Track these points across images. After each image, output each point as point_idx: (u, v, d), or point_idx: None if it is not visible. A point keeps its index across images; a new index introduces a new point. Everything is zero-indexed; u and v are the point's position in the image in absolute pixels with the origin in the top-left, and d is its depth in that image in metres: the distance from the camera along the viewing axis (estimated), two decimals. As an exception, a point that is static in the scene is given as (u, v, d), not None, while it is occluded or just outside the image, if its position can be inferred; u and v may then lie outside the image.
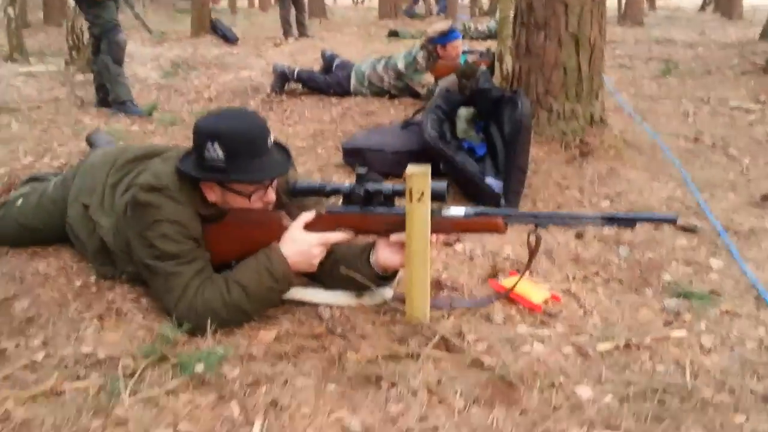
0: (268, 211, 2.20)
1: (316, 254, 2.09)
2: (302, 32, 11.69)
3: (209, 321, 2.00)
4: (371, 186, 2.08)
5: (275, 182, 2.20)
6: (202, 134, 2.06)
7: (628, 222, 2.04)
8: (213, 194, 2.12)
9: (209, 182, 2.10)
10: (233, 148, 2.02)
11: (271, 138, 2.13)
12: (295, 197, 2.23)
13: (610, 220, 2.02)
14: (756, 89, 6.60)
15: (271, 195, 2.19)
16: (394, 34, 11.92)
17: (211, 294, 2.02)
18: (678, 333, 2.12)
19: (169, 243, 2.04)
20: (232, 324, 2.08)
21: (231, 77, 7.37)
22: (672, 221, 2.04)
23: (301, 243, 2.07)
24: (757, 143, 4.70)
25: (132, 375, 1.83)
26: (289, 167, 2.21)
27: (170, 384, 1.80)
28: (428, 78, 5.87)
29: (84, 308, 2.23)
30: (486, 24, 11.15)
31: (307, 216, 2.11)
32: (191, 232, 2.08)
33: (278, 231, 2.12)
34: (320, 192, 2.13)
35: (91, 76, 5.99)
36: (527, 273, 2.29)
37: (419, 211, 1.97)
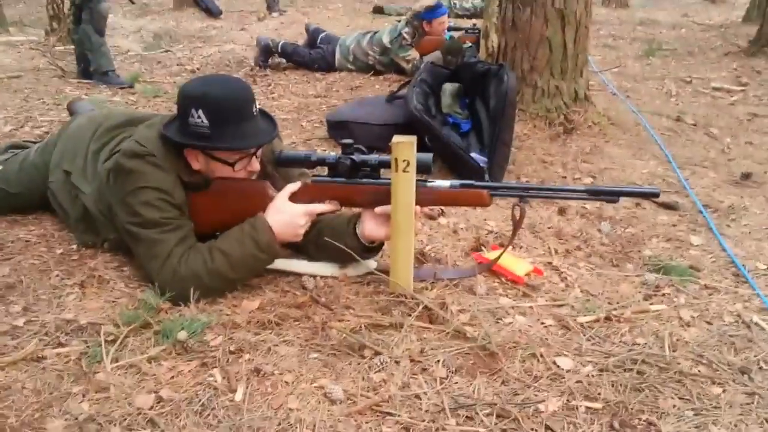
0: (252, 181, 2.19)
1: (302, 224, 2.09)
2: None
3: (192, 288, 1.99)
4: (357, 157, 2.08)
5: (260, 151, 2.18)
6: (187, 100, 2.04)
7: (611, 195, 2.04)
8: (197, 162, 2.10)
9: (193, 149, 2.08)
10: (218, 114, 2.00)
11: (257, 105, 2.11)
12: (280, 167, 2.22)
13: (594, 193, 2.03)
14: (738, 71, 6.65)
15: (256, 164, 2.17)
16: (379, 10, 11.81)
17: (195, 261, 2.01)
18: (657, 306, 2.14)
19: (151, 210, 2.02)
20: (214, 292, 2.07)
21: (214, 50, 7.28)
22: (654, 195, 2.05)
23: (286, 213, 2.06)
24: (738, 123, 4.75)
25: (114, 342, 1.83)
26: (275, 136, 2.19)
27: (152, 351, 1.80)
28: (414, 54, 5.83)
29: (65, 275, 2.21)
30: (471, 1, 11.09)
31: (293, 186, 2.10)
32: (175, 200, 2.06)
33: (263, 201, 2.10)
34: (306, 162, 2.12)
35: (71, 47, 5.89)
36: (511, 247, 2.30)
37: (404, 181, 1.97)
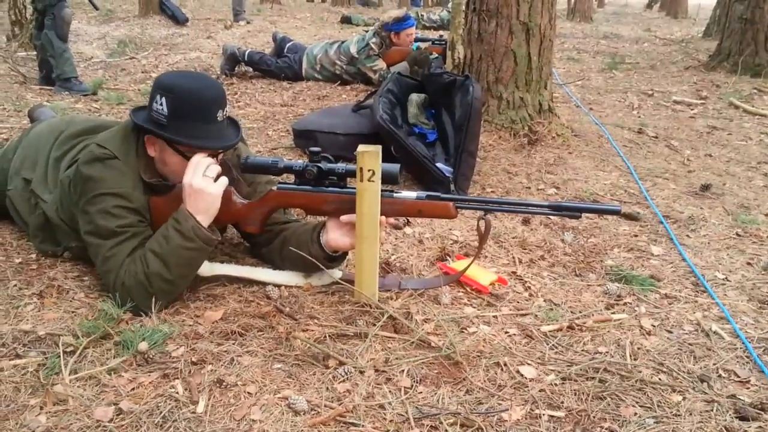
0: None
1: (213, 191, 2.00)
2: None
3: (143, 296, 1.96)
4: (324, 165, 2.07)
5: (220, 156, 2.15)
6: (156, 86, 2.03)
7: (574, 211, 2.07)
8: (153, 149, 2.08)
9: (146, 133, 2.06)
10: (178, 107, 1.99)
11: (224, 111, 2.07)
12: (246, 173, 2.20)
13: (557, 209, 2.05)
14: (698, 84, 6.81)
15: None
16: (347, 19, 11.86)
17: (135, 270, 1.97)
18: (619, 315, 2.17)
19: (108, 218, 2.00)
20: (166, 296, 2.02)
21: (180, 58, 7.22)
22: (616, 213, 2.08)
23: (195, 192, 1.99)
24: (698, 136, 4.85)
25: (73, 353, 1.79)
26: (230, 145, 2.13)
27: (112, 362, 1.77)
28: (381, 64, 5.86)
29: (24, 285, 2.17)
30: (438, 14, 11.19)
31: (189, 163, 2.02)
32: (133, 203, 2.03)
33: (227, 207, 2.08)
34: (272, 169, 2.10)
35: (33, 53, 5.79)
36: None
37: (369, 191, 1.97)
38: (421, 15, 10.93)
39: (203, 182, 1.99)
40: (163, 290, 2.00)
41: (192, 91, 2.01)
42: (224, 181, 2.04)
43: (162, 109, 1.99)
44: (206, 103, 2.02)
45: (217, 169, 2.04)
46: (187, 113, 1.99)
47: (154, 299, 1.97)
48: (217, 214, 2.05)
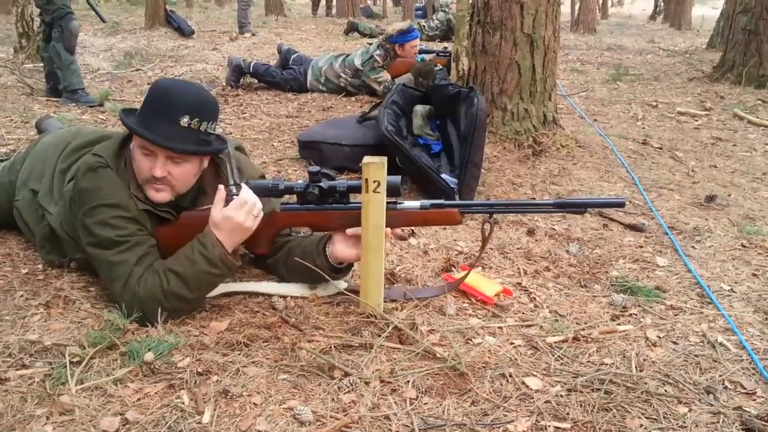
0: None
1: (242, 219, 2.00)
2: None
3: (153, 311, 1.97)
4: (326, 183, 2.07)
5: (179, 170, 2.07)
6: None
7: (578, 207, 2.08)
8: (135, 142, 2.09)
9: (122, 124, 2.08)
10: (149, 100, 2.04)
11: (191, 120, 2.01)
12: None
13: (562, 206, 2.06)
14: (702, 95, 6.82)
15: (158, 171, 2.03)
16: (353, 26, 11.88)
17: (152, 284, 1.98)
18: (624, 327, 2.17)
19: (108, 229, 2.01)
20: (179, 312, 2.04)
21: (185, 69, 7.27)
22: (620, 205, 2.10)
23: (240, 227, 2.01)
24: (702, 147, 4.85)
25: (79, 363, 1.80)
26: (178, 149, 2.03)
27: (118, 372, 1.77)
28: (385, 75, 5.88)
29: (30, 296, 2.18)
30: (436, 18, 11.19)
31: (221, 194, 2.03)
32: (130, 212, 2.04)
33: None
34: (273, 192, 2.09)
35: (40, 64, 5.83)
36: (480, 268, 2.31)
37: (375, 202, 1.98)
38: (423, 26, 10.95)
39: (251, 222, 2.02)
40: (177, 308, 2.02)
41: (166, 91, 2.05)
42: (259, 219, 2.06)
43: (141, 104, 2.06)
44: (173, 104, 2.01)
45: (261, 208, 2.06)
46: (155, 109, 2.02)
47: (163, 313, 1.98)
48: None
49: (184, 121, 2.02)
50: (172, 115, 2.01)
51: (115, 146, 2.11)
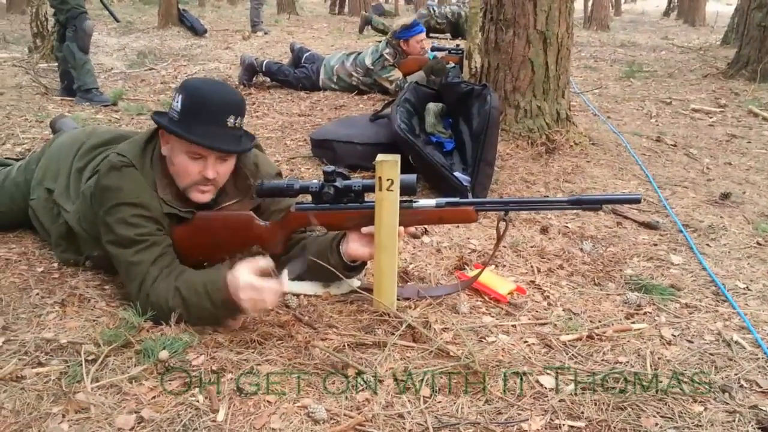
0: (238, 213, 2.17)
1: (260, 306, 1.93)
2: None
3: (164, 316, 1.97)
4: (341, 183, 2.07)
5: (225, 168, 2.11)
6: (179, 87, 2.07)
7: (594, 204, 2.08)
8: (165, 147, 2.10)
9: (159, 126, 2.09)
10: (191, 105, 2.01)
11: (235, 119, 2.05)
12: (261, 198, 2.19)
13: (577, 203, 2.06)
14: (716, 92, 6.77)
15: (210, 172, 2.06)
16: (367, 20, 11.88)
17: (161, 292, 1.97)
18: (639, 325, 2.16)
19: (127, 228, 2.02)
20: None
21: (198, 68, 7.29)
22: (636, 201, 2.08)
23: (253, 290, 1.89)
24: (716, 144, 4.82)
25: (94, 361, 1.81)
26: (231, 150, 2.08)
27: (134, 370, 1.78)
28: (397, 74, 5.88)
29: (46, 294, 2.19)
30: (449, 7, 11.15)
31: (263, 262, 1.96)
32: (151, 212, 2.05)
33: (247, 232, 2.10)
34: (288, 192, 2.08)
35: (55, 64, 5.87)
36: (493, 266, 2.30)
37: (388, 200, 1.98)
38: (433, 10, 10.86)
39: (273, 299, 1.91)
40: (183, 318, 2.00)
41: (206, 95, 2.03)
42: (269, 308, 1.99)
43: (177, 106, 2.02)
44: (217, 107, 2.02)
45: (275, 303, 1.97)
46: (197, 112, 2.01)
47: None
48: (241, 240, 2.09)
49: (230, 121, 2.04)
50: (219, 116, 2.02)
51: (140, 146, 2.12)
